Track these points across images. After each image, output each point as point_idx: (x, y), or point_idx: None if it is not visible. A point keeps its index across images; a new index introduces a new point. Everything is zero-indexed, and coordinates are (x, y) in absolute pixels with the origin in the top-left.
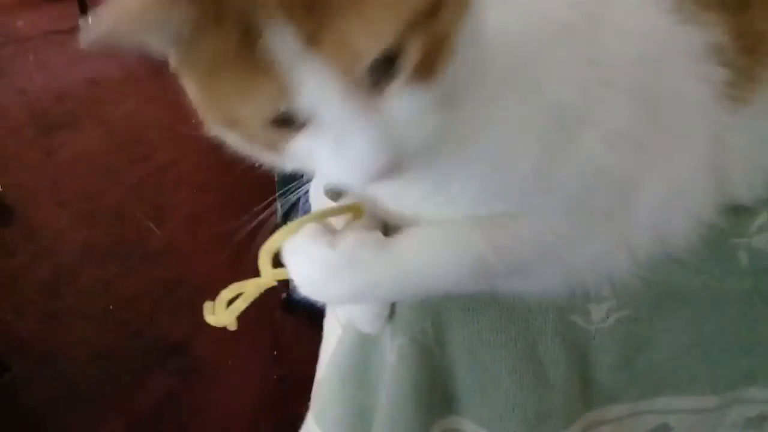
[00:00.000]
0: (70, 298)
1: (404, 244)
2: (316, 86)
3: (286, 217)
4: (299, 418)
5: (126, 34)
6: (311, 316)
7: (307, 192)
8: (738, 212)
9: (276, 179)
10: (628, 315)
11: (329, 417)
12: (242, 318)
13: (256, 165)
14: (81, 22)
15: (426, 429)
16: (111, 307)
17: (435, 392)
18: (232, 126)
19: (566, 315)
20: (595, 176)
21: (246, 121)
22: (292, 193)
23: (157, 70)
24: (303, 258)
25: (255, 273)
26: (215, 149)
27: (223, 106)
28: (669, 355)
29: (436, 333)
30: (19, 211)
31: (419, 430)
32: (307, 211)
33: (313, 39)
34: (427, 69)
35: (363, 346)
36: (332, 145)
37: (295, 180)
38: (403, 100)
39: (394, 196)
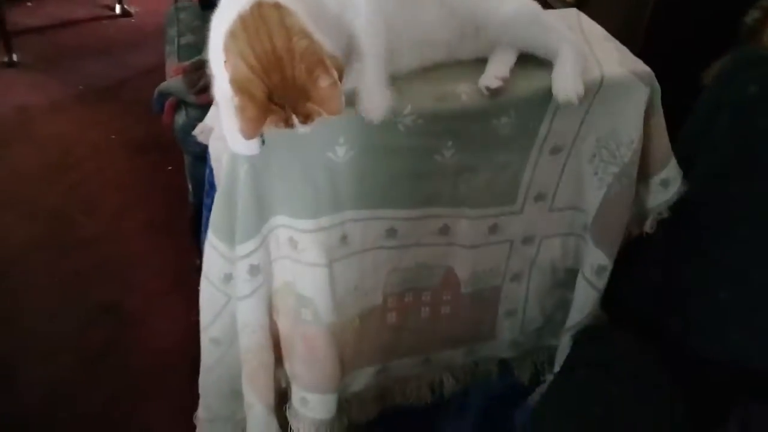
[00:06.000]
0: (19, 276)
1: None
2: None
3: None
4: None
5: None
6: None
7: None
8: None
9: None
10: (354, 154)
11: (216, 223)
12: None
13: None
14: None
15: (261, 225)
16: (57, 279)
17: (265, 199)
18: None
19: (324, 152)
20: None
21: None
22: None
23: (81, 98)
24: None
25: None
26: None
27: None
28: (384, 180)
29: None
30: None
31: (257, 225)
32: None
33: None
34: None
35: (234, 169)
36: None
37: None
38: None
39: None
